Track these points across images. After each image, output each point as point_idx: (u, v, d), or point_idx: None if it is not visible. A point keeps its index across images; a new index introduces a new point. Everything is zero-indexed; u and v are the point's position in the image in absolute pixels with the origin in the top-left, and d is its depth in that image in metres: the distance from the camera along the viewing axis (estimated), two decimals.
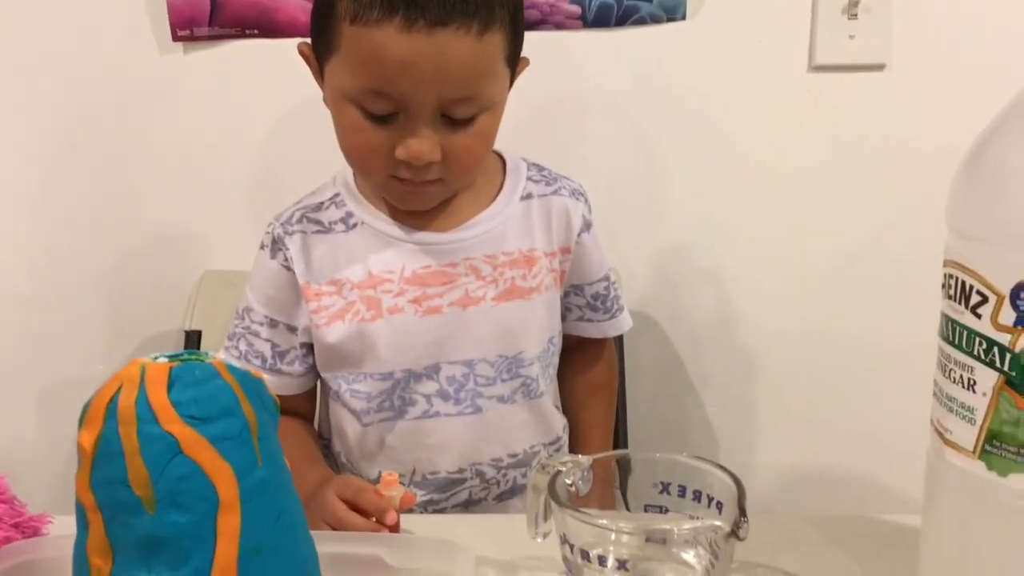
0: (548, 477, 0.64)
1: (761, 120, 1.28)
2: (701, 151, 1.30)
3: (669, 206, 1.32)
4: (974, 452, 0.58)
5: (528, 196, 0.95)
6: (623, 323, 1.05)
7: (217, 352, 0.91)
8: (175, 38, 1.23)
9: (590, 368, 1.06)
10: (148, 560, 0.47)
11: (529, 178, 0.96)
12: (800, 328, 1.35)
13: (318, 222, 0.92)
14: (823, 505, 1.41)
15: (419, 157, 0.82)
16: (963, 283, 0.57)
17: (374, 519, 0.74)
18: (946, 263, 0.60)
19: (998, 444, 0.56)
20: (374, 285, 0.90)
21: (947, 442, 0.60)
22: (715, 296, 1.36)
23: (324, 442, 0.99)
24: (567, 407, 1.05)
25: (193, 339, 1.19)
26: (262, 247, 0.94)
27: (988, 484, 0.57)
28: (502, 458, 0.94)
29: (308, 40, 0.88)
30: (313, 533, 0.55)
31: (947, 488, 0.62)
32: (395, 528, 0.73)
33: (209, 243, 1.29)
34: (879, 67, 1.25)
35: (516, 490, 0.96)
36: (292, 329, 0.92)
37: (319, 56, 0.86)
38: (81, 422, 0.49)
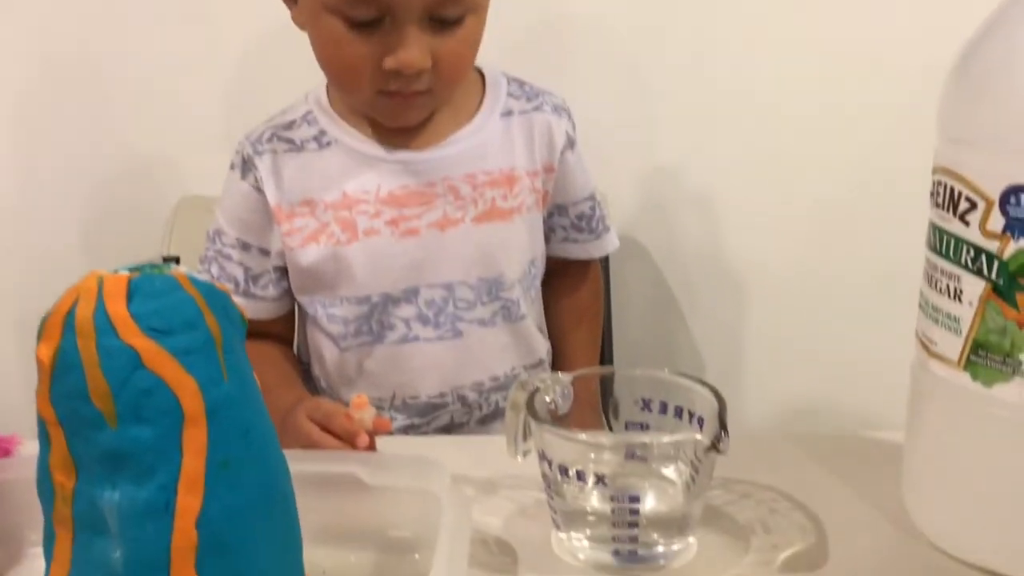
0: (527, 394, 0.63)
1: (749, 39, 1.25)
2: (688, 72, 1.27)
3: (658, 128, 1.30)
4: (959, 363, 0.57)
5: (508, 113, 0.92)
6: (608, 243, 1.03)
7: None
8: None
9: (575, 292, 1.04)
10: (111, 475, 0.46)
11: (510, 94, 0.93)
12: (789, 253, 1.34)
13: (289, 140, 0.89)
14: (810, 429, 1.41)
15: (410, 65, 0.79)
16: (952, 189, 0.56)
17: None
18: (935, 170, 0.58)
19: (983, 354, 0.55)
20: (348, 206, 0.87)
21: (932, 354, 0.59)
22: (704, 221, 1.34)
23: (304, 366, 0.98)
24: (552, 332, 1.03)
25: (171, 265, 1.17)
26: (232, 167, 0.91)
27: (973, 395, 0.56)
28: (483, 382, 0.93)
29: None
30: (287, 452, 0.54)
31: (931, 401, 0.61)
32: (369, 450, 0.72)
33: (185, 168, 1.26)
34: None
35: (498, 414, 0.95)
36: (264, 252, 0.91)
37: None
38: (39, 335, 0.47)
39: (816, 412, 1.38)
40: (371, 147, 0.88)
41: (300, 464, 0.56)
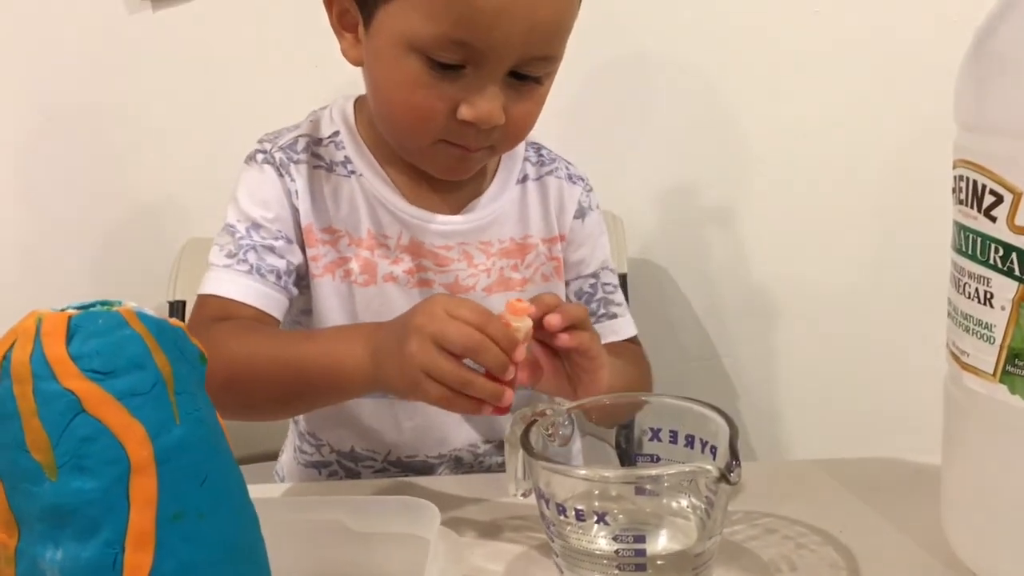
0: (523, 427, 0.58)
1: (769, 54, 1.22)
2: (706, 87, 1.23)
3: (676, 146, 1.26)
4: (994, 375, 0.51)
5: (524, 179, 0.88)
6: (609, 331, 0.89)
7: (213, 270, 0.79)
8: None
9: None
10: (53, 532, 0.42)
11: (526, 158, 0.89)
12: (817, 270, 1.29)
13: (320, 158, 0.83)
14: (841, 452, 1.34)
15: (489, 119, 0.73)
16: (975, 183, 0.50)
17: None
18: (955, 164, 0.53)
19: (1021, 364, 0.50)
20: (370, 247, 0.82)
21: (964, 366, 0.54)
22: (726, 239, 1.30)
23: None
24: None
25: (177, 309, 1.15)
26: (253, 160, 0.82)
27: (1012, 410, 0.51)
28: (477, 444, 0.88)
29: None
30: (262, 500, 0.49)
31: (967, 418, 0.55)
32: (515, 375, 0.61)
33: (191, 210, 1.24)
34: None
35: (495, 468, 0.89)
36: (294, 256, 0.82)
37: (365, 5, 0.75)
38: None
39: (852, 435, 1.32)
40: (392, 195, 0.82)
41: (278, 511, 0.52)
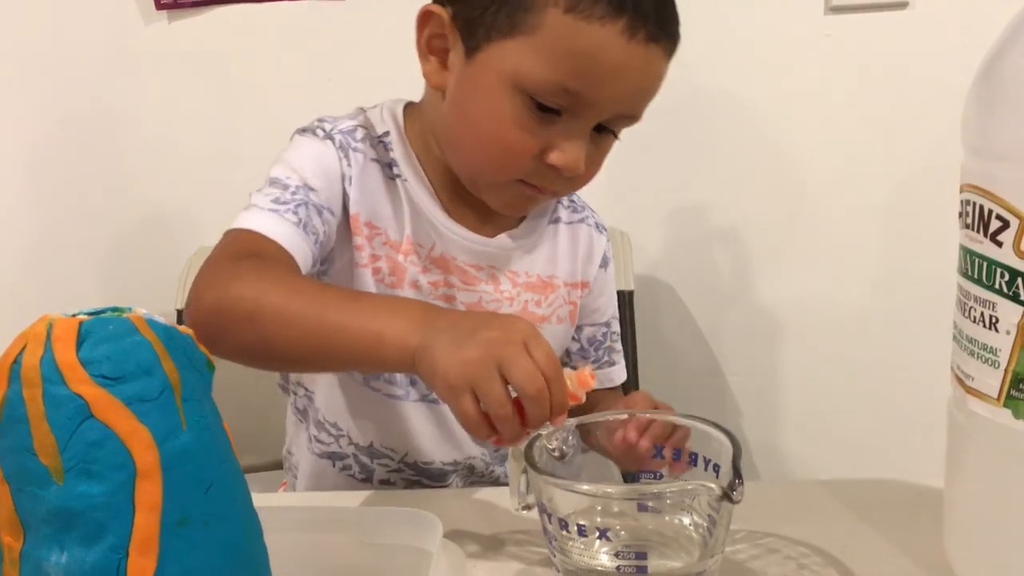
0: (527, 441, 0.58)
1: (778, 66, 1.22)
2: (715, 106, 1.23)
3: (683, 164, 1.26)
4: (999, 399, 0.51)
5: (557, 220, 0.90)
6: (606, 379, 0.93)
7: (254, 210, 0.75)
8: (159, 6, 1.19)
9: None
10: (59, 536, 0.42)
11: (559, 201, 0.90)
12: (822, 289, 1.29)
13: (376, 153, 0.82)
14: (844, 472, 1.34)
15: (576, 167, 0.75)
16: (981, 208, 0.51)
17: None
18: (963, 188, 0.53)
19: None
20: (406, 252, 0.82)
21: (969, 390, 0.54)
22: (732, 258, 1.30)
23: (304, 394, 0.90)
24: None
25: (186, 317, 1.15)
26: (314, 135, 0.80)
27: (1015, 435, 0.51)
28: (487, 453, 0.89)
29: (437, 4, 0.77)
30: (267, 508, 0.49)
31: (970, 442, 0.55)
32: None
33: (201, 219, 1.25)
34: (902, 5, 1.17)
35: (504, 479, 0.90)
36: (332, 233, 0.80)
37: (473, 36, 0.74)
38: None
39: (857, 456, 1.31)
40: (434, 208, 0.83)
41: (282, 520, 0.52)
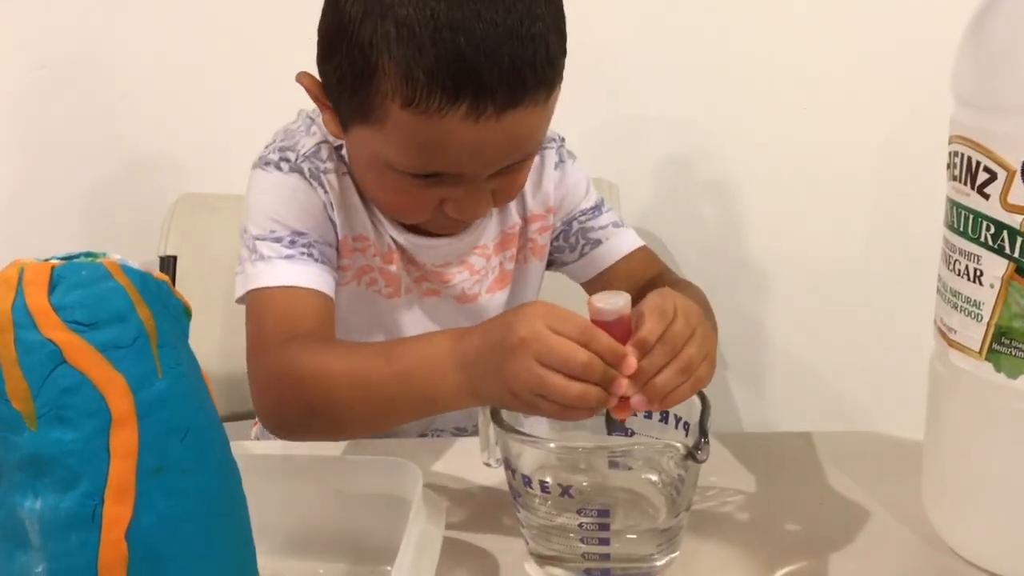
0: None
1: (767, 27, 1.21)
2: (703, 60, 1.22)
3: (672, 119, 1.25)
4: (981, 352, 0.51)
5: None
6: (617, 249, 0.88)
7: (264, 262, 0.74)
8: None
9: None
10: (33, 482, 0.42)
11: None
12: (811, 244, 1.29)
13: (344, 163, 0.79)
14: (826, 425, 1.35)
15: (475, 216, 0.74)
16: (969, 160, 0.50)
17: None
18: (951, 140, 0.53)
19: (1007, 342, 0.50)
20: (393, 261, 0.81)
21: (951, 343, 0.54)
22: (721, 213, 1.29)
23: None
24: None
25: (168, 264, 1.14)
26: (279, 170, 0.77)
27: (996, 388, 0.51)
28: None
29: (311, 74, 0.74)
30: (245, 456, 0.49)
31: (952, 395, 0.55)
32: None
33: (184, 166, 1.23)
34: None
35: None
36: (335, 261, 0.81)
37: (340, 113, 0.72)
38: None
39: (841, 409, 1.32)
40: (387, 221, 0.81)
41: (260, 468, 0.52)
